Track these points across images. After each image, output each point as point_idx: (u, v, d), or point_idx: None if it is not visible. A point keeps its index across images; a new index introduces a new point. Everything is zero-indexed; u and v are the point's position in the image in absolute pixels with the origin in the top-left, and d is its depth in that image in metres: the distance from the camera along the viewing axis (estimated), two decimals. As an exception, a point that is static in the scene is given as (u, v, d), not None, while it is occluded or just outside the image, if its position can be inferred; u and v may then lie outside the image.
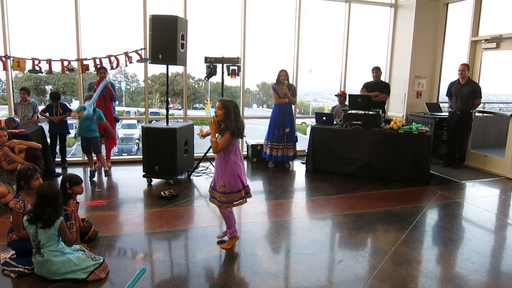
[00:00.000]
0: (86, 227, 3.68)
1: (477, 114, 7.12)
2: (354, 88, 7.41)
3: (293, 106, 6.83)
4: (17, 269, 3.03)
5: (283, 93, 6.43)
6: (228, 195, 3.45)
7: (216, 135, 3.40)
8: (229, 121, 3.31)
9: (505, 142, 6.44)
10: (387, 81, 8.17)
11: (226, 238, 3.71)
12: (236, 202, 3.53)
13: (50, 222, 2.90)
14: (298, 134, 7.09)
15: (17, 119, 5.59)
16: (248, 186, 3.62)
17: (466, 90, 6.53)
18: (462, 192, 5.65)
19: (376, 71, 7.03)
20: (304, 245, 3.71)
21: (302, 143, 7.22)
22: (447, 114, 7.01)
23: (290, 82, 6.73)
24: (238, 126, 3.35)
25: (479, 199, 5.29)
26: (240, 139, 3.67)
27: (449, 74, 7.55)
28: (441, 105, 7.71)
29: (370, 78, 7.13)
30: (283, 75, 6.39)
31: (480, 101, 6.68)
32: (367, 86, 7.12)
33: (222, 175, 3.43)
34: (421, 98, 7.82)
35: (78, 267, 2.93)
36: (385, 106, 7.56)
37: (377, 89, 6.88)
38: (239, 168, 3.46)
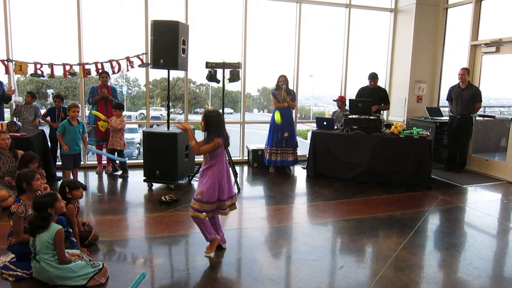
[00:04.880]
0: (86, 232, 3.68)
1: (477, 118, 7.11)
2: (355, 92, 7.40)
3: (293, 111, 6.82)
4: (15, 273, 3.01)
5: (281, 97, 6.44)
6: (202, 204, 3.35)
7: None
8: (212, 132, 3.31)
9: (506, 146, 6.43)
10: (387, 85, 8.18)
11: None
12: (205, 214, 3.39)
13: (37, 230, 2.87)
14: (299, 139, 7.05)
15: (19, 123, 5.59)
16: (229, 199, 3.53)
17: (467, 94, 6.53)
18: (463, 197, 5.63)
19: (374, 80, 6.98)
20: (305, 251, 3.69)
21: (303, 148, 7.21)
22: (448, 118, 7.01)
23: (291, 87, 6.73)
24: (221, 134, 3.33)
25: (481, 203, 5.27)
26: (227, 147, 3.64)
27: (449, 78, 7.56)
28: (441, 109, 7.71)
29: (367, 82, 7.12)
30: (281, 80, 6.41)
31: (481, 105, 6.68)
32: (362, 92, 7.10)
33: (204, 184, 3.36)
34: (422, 102, 7.82)
35: (76, 274, 2.90)
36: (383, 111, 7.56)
37: (374, 96, 6.79)
38: (222, 179, 3.41)
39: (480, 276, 3.25)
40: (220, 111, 5.97)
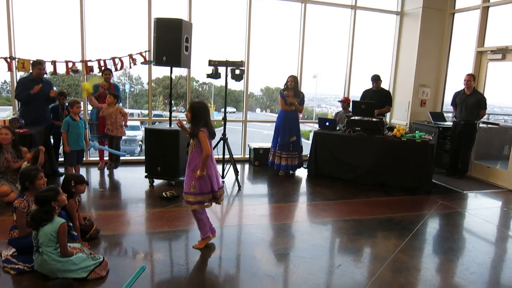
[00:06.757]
0: (87, 226, 3.71)
1: (481, 125, 7.10)
2: (358, 94, 7.41)
3: (299, 114, 6.67)
4: (17, 266, 3.04)
5: (289, 101, 6.31)
6: (197, 196, 3.45)
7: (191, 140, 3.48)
8: (198, 123, 3.37)
9: (509, 154, 6.42)
10: (391, 88, 8.18)
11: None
12: (206, 203, 3.53)
13: (41, 223, 2.90)
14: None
15: (21, 119, 5.61)
16: (220, 190, 3.60)
17: (471, 100, 6.52)
18: (463, 203, 5.63)
19: (376, 82, 6.98)
20: (304, 249, 3.71)
21: (305, 148, 7.20)
22: (451, 123, 7.01)
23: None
24: (208, 125, 3.41)
25: (480, 210, 5.26)
26: (217, 139, 3.70)
27: (454, 83, 7.55)
28: (445, 114, 7.71)
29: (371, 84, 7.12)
30: (290, 81, 6.28)
31: (485, 112, 6.66)
32: (366, 94, 7.11)
33: (193, 176, 3.44)
34: (425, 106, 7.82)
35: (78, 266, 2.94)
36: (387, 114, 7.55)
37: (377, 98, 6.80)
38: (211, 171, 3.48)
39: (476, 282, 3.26)
40: (221, 108, 6.02)
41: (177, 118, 3.74)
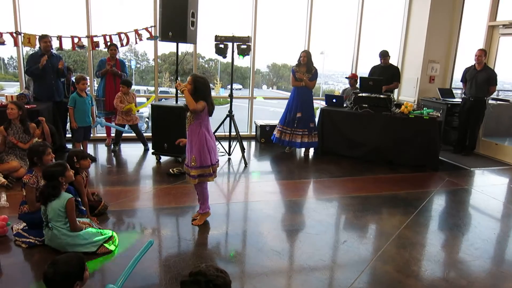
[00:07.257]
0: (96, 201, 3.76)
1: (490, 101, 6.99)
2: (366, 71, 7.29)
3: (312, 91, 6.38)
4: (28, 240, 3.11)
5: (298, 76, 6.11)
6: (198, 169, 3.47)
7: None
8: (199, 96, 3.35)
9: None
10: (399, 64, 8.03)
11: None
12: (208, 177, 3.54)
13: (49, 198, 2.95)
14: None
15: (29, 95, 5.62)
16: (216, 164, 3.61)
17: (482, 76, 6.39)
18: (470, 179, 5.62)
19: (384, 58, 6.86)
20: (310, 225, 3.75)
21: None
22: (460, 100, 6.90)
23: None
24: (207, 99, 3.40)
25: (487, 187, 5.25)
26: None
27: (464, 59, 7.38)
28: (453, 91, 7.58)
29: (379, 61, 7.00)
30: (302, 56, 6.10)
31: (495, 88, 6.54)
32: (374, 70, 6.99)
33: (193, 149, 3.46)
34: (434, 83, 7.69)
35: (87, 241, 3.00)
36: (395, 90, 7.45)
37: (385, 74, 6.68)
38: (209, 144, 3.49)
39: (481, 257, 3.28)
40: (227, 85, 5.97)
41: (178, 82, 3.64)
